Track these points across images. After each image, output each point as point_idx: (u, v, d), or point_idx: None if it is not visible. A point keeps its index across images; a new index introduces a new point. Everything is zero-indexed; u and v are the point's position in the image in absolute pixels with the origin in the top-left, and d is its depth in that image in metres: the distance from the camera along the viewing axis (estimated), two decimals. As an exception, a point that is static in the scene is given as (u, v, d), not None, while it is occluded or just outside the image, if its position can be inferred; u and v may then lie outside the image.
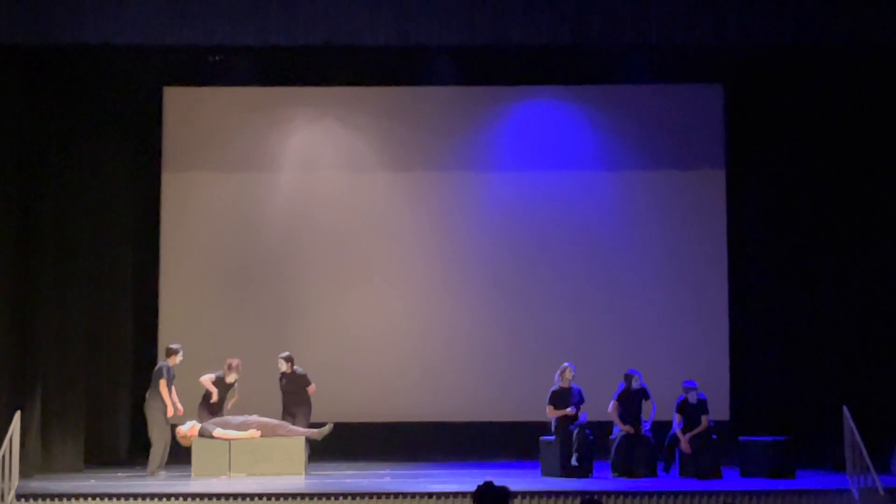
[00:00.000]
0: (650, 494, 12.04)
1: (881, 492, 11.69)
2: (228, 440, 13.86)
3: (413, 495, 12.00)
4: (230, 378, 14.37)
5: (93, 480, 13.43)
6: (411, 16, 13.40)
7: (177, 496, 12.04)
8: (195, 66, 15.66)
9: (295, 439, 14.00)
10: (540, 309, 16.19)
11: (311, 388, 14.57)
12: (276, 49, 13.88)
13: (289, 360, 14.66)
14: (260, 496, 11.92)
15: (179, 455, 14.18)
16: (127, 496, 12.10)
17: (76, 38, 13.28)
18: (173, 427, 14.11)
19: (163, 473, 13.87)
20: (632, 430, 13.58)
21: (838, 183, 14.88)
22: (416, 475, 13.77)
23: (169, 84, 16.38)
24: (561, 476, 13.29)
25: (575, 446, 13.35)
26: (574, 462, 13.32)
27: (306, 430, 14.19)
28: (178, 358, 14.16)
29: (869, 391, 14.17)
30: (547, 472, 13.55)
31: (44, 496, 12.15)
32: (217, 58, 15.26)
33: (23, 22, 13.10)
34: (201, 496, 12.04)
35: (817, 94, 15.15)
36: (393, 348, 16.15)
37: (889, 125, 14.47)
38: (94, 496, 12.11)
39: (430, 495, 11.99)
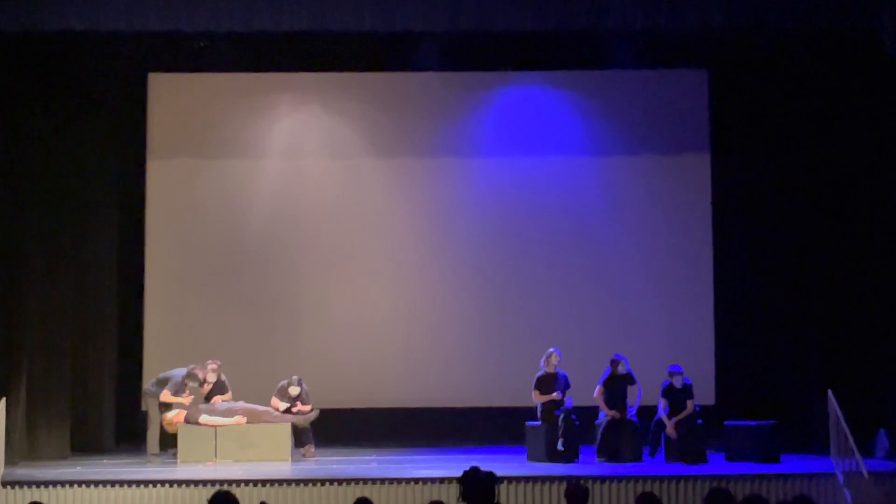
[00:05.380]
0: (636, 479, 12.10)
1: (865, 475, 11.74)
2: (214, 426, 13.88)
3: (399, 481, 12.03)
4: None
5: (79, 467, 13.43)
6: (397, 1, 13.37)
7: (163, 482, 12.04)
8: (180, 52, 15.58)
9: (281, 425, 14.02)
10: (525, 294, 16.18)
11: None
12: (262, 35, 13.85)
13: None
14: (246, 482, 11.92)
15: (166, 442, 14.21)
16: (113, 483, 12.11)
17: (60, 24, 13.20)
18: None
19: (157, 460, 13.92)
20: (617, 415, 13.62)
21: (823, 168, 14.91)
22: (401, 461, 13.79)
23: (153, 70, 16.28)
24: (547, 461, 13.32)
25: (561, 431, 13.38)
26: (560, 447, 13.35)
27: (292, 416, 14.19)
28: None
29: (854, 376, 14.22)
30: (533, 458, 13.57)
31: (29, 483, 12.14)
32: (202, 44, 15.20)
33: (5, 8, 13.03)
34: (187, 482, 12.05)
35: (803, 79, 15.17)
36: (379, 334, 16.13)
37: (875, 111, 14.49)
38: (79, 483, 12.11)
39: (416, 481, 12.02)
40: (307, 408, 14.32)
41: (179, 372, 14.25)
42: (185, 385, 14.10)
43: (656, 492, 11.80)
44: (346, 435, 15.26)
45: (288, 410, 14.27)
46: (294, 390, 14.35)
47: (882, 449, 13.53)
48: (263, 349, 15.84)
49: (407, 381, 15.99)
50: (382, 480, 12.03)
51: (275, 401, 14.32)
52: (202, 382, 14.28)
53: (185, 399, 14.04)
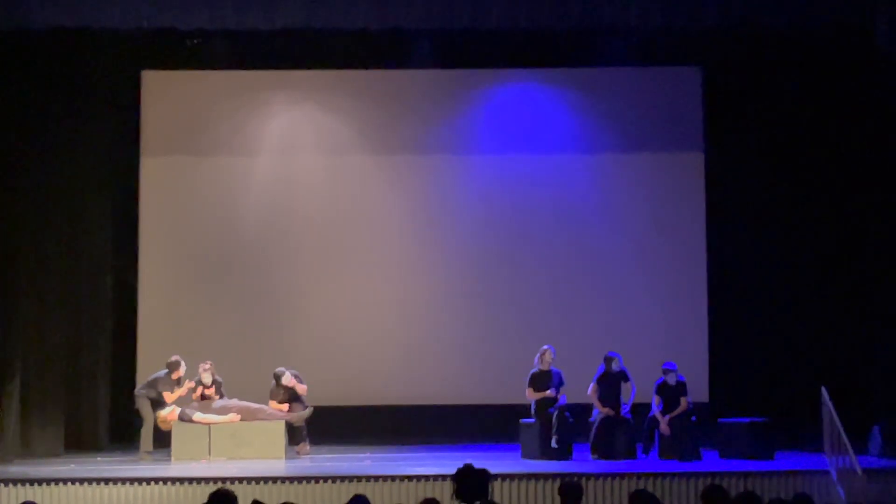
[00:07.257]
0: (630, 476, 12.07)
1: (859, 472, 11.74)
2: (208, 424, 13.87)
3: (393, 478, 12.00)
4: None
5: (73, 465, 13.42)
6: (390, -1, 13.42)
7: (157, 480, 12.01)
8: (173, 49, 15.59)
9: (275, 423, 14.02)
10: (520, 292, 16.18)
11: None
12: (255, 32, 13.87)
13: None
14: (240, 480, 11.89)
15: (160, 439, 14.19)
16: (107, 481, 12.06)
17: (53, 21, 13.22)
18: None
19: (150, 458, 13.90)
20: (611, 413, 13.63)
21: (817, 164, 14.93)
22: (396, 458, 13.79)
23: (147, 68, 16.27)
24: (541, 458, 13.33)
25: (555, 429, 13.39)
26: (554, 444, 13.36)
27: (286, 413, 14.19)
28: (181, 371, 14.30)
29: (847, 373, 14.24)
30: (527, 455, 13.58)
31: (23, 481, 12.08)
32: (196, 41, 15.21)
33: (-1, 6, 13.05)
34: (181, 480, 12.03)
35: (797, 76, 15.18)
36: (373, 331, 16.11)
37: (868, 108, 14.50)
38: (73, 481, 12.06)
39: (410, 478, 11.99)
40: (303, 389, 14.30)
41: (164, 373, 14.25)
42: (176, 380, 14.12)
43: (650, 489, 11.79)
44: (340, 432, 15.23)
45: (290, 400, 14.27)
46: (287, 379, 14.30)
47: (876, 446, 13.54)
48: (257, 346, 15.81)
49: (401, 379, 15.99)
50: (377, 478, 12.01)
51: (272, 403, 14.30)
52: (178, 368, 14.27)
53: (185, 389, 14.06)
